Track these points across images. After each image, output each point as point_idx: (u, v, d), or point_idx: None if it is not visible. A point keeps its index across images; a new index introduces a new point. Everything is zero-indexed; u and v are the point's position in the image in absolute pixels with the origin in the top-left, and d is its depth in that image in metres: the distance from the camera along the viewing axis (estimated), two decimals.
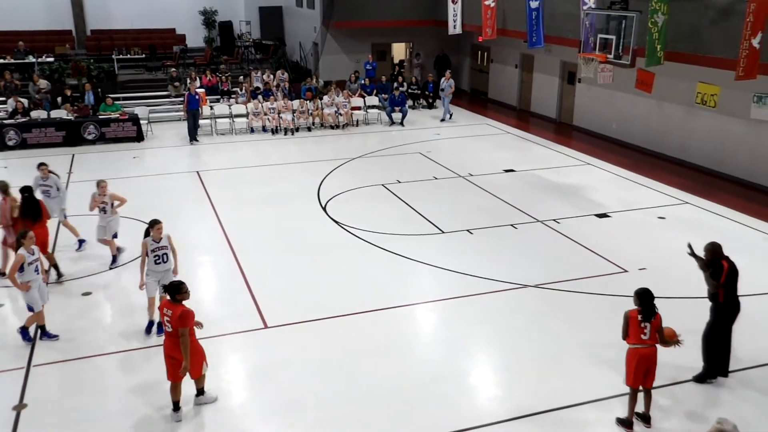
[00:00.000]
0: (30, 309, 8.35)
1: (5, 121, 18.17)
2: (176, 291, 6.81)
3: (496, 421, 6.96)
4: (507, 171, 15.96)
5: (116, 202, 10.63)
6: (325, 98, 20.50)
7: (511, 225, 12.46)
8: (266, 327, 8.82)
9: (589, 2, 15.32)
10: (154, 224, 8.39)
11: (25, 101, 19.19)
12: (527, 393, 7.42)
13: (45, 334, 8.51)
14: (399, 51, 28.04)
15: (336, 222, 12.60)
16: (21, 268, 8.11)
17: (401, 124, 20.78)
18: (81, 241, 11.45)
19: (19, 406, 7.20)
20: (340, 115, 20.32)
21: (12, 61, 23.46)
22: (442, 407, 7.19)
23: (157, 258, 8.41)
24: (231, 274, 10.46)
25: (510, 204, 13.58)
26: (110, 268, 10.63)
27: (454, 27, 22.48)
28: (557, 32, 17.93)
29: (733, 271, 7.39)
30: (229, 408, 7.26)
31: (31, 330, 8.53)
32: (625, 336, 6.61)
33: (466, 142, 19.06)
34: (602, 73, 15.29)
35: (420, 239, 11.82)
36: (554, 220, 12.68)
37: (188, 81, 20.78)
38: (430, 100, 23.57)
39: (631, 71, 14.59)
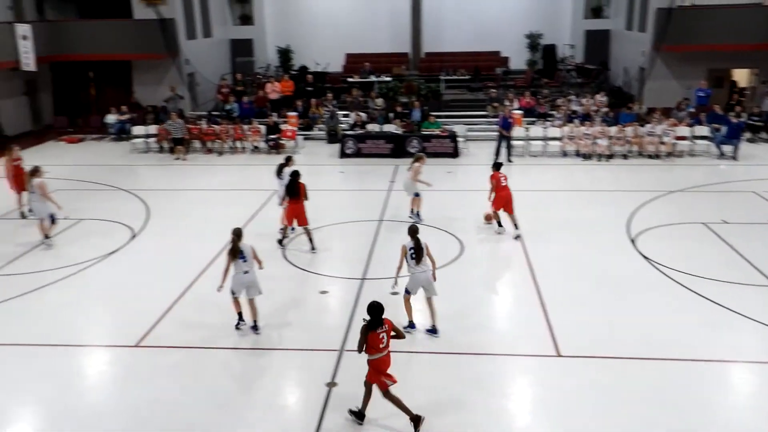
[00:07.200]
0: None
1: (347, 132, 20.79)
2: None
3: None
4: None
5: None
6: (648, 126, 19.30)
7: None
8: (559, 355, 8.62)
9: None
10: None
11: (363, 115, 21.70)
12: None
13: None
14: (740, 77, 25.15)
15: (645, 257, 11.76)
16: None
17: (734, 158, 18.59)
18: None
19: (331, 384, 8.13)
20: (663, 144, 18.94)
21: (358, 79, 26.73)
22: None
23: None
24: (528, 296, 10.42)
25: None
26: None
27: None
28: None
29: None
30: (509, 429, 7.27)
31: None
32: (363, 349, 7.14)
33: None
34: None
35: (744, 289, 10.40)
36: None
37: (506, 103, 21.37)
38: None
39: None
